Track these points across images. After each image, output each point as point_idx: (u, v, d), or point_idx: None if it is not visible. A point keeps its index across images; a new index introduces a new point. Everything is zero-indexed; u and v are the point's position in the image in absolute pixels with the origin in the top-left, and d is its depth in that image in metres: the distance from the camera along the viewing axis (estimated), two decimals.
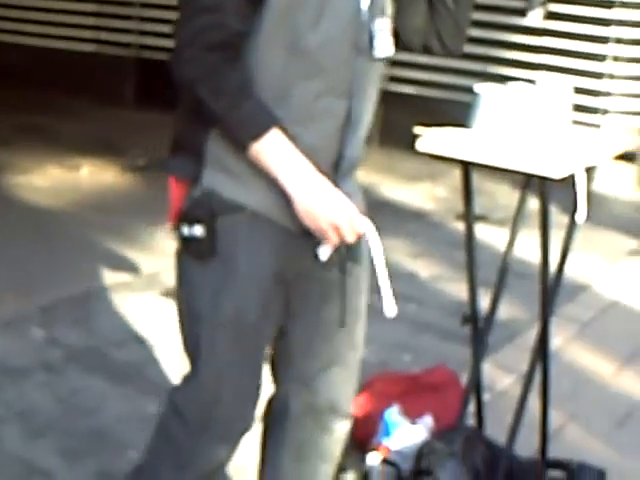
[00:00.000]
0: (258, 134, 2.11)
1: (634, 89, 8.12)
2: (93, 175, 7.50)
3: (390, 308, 2.25)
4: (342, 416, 2.56)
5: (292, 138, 2.15)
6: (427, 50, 2.51)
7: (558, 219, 3.82)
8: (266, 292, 2.29)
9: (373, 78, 2.33)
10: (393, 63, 9.12)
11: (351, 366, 2.52)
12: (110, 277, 5.37)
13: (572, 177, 3.15)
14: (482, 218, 6.63)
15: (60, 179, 7.34)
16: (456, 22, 2.44)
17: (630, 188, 7.75)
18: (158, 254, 5.61)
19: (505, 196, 7.07)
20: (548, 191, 3.16)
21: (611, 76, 8.06)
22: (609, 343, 4.93)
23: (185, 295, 2.37)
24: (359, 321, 2.49)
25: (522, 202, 3.50)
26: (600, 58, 8.03)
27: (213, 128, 2.18)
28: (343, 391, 2.54)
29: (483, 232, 6.26)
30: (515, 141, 3.08)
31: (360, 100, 2.28)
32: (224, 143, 2.18)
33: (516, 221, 3.50)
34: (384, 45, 2.31)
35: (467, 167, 3.16)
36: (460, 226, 6.70)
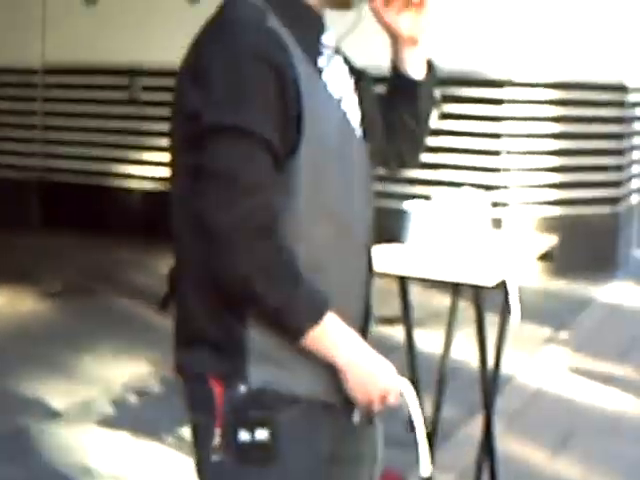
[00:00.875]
0: (316, 320, 1.95)
1: (530, 180, 8.49)
2: (10, 304, 7.47)
3: (425, 467, 2.17)
4: None
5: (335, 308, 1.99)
6: (385, 166, 2.39)
7: (468, 314, 4.03)
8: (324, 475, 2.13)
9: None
10: None
11: None
12: (42, 409, 5.31)
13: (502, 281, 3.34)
14: (396, 320, 6.78)
15: None
16: (416, 140, 2.36)
17: (537, 276, 8.05)
18: (87, 381, 5.60)
19: (417, 295, 7.23)
20: (482, 297, 3.34)
21: (506, 170, 8.40)
22: (539, 431, 5.09)
23: None
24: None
25: (454, 308, 3.68)
26: (495, 153, 8.38)
27: (252, 320, 1.97)
28: None
29: (400, 334, 6.42)
30: (446, 253, 3.27)
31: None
32: (267, 334, 1.97)
33: (450, 326, 3.67)
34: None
35: (404, 282, 3.33)
36: (380, 330, 6.85)
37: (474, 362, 4.22)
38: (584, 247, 8.28)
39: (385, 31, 2.21)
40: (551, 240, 4.02)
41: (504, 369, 5.83)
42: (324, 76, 2.05)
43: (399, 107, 2.29)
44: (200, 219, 1.93)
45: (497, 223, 8.01)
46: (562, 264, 7.88)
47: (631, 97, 9.12)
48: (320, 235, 2.01)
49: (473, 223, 3.39)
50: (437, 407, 3.58)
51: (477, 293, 3.28)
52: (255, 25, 1.94)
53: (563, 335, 6.81)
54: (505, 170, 8.41)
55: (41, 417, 5.22)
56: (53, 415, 5.24)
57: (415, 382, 3.61)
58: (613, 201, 8.91)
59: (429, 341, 5.85)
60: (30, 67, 10.34)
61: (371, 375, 2.03)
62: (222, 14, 2.00)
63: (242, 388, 1.99)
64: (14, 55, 10.38)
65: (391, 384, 2.06)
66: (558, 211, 8.61)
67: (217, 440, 2.00)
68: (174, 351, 2.12)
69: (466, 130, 8.42)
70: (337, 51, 2.15)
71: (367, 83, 2.24)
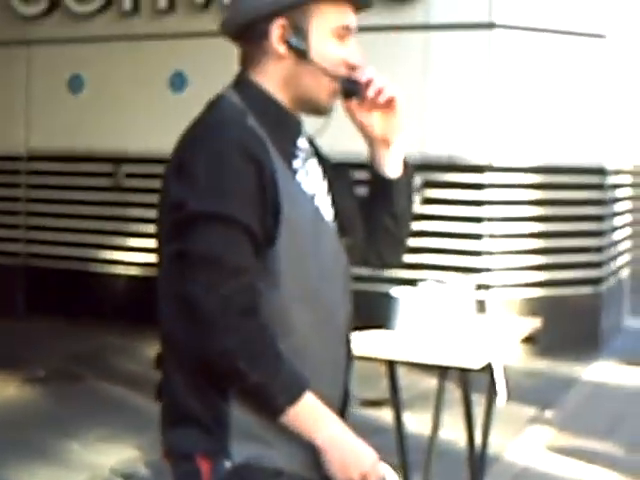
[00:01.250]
0: (296, 398, 2.03)
1: (512, 263, 8.59)
2: None
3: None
4: None
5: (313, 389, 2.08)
6: (366, 264, 2.42)
7: (454, 396, 4.07)
8: None
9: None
10: None
11: None
12: None
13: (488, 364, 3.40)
14: (382, 402, 6.82)
15: None
16: (396, 240, 2.39)
17: (521, 357, 8.10)
18: (73, 467, 5.59)
19: (403, 377, 7.27)
20: (469, 380, 3.40)
21: (488, 253, 8.50)
22: None
23: None
24: None
25: (441, 390, 3.74)
26: (476, 237, 8.49)
27: (234, 397, 2.05)
28: None
29: (387, 416, 6.44)
30: (434, 337, 3.33)
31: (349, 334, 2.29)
32: (249, 411, 2.05)
33: (438, 408, 3.72)
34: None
35: (392, 365, 3.39)
36: (365, 412, 6.88)
37: (462, 442, 4.27)
38: (567, 327, 8.35)
39: (359, 132, 2.29)
40: (535, 323, 4.09)
41: (490, 449, 5.90)
42: (298, 176, 2.16)
43: (377, 207, 2.34)
44: (187, 301, 2.02)
45: (480, 305, 8.11)
46: (546, 344, 7.94)
47: (610, 179, 9.29)
48: (300, 321, 2.10)
49: (459, 308, 3.46)
50: None
51: (464, 376, 3.34)
52: (237, 124, 2.08)
53: (548, 414, 6.85)
54: (487, 253, 8.50)
55: None
56: None
57: (404, 463, 3.65)
58: (595, 281, 9.02)
59: (417, 422, 5.88)
60: (14, 154, 10.45)
61: (352, 456, 2.08)
62: (207, 115, 2.14)
63: (227, 464, 2.07)
64: None
65: (372, 467, 2.11)
66: (541, 292, 8.71)
67: None
68: (161, 433, 2.19)
69: (448, 214, 8.54)
70: (313, 151, 2.27)
71: (346, 182, 2.35)
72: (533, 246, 8.72)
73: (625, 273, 10.44)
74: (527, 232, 8.68)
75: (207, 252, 2.01)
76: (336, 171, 2.32)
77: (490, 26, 8.48)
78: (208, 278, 2.00)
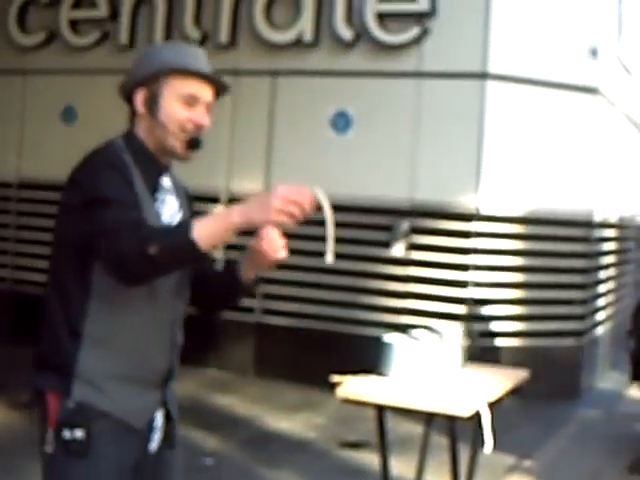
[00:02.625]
0: (188, 231, 2.55)
1: (496, 312, 8.65)
2: None
3: (330, 256, 2.69)
4: None
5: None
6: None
7: (436, 441, 4.10)
8: (127, 477, 2.85)
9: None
10: (265, 296, 9.42)
11: None
12: None
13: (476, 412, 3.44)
14: (365, 444, 6.85)
15: None
16: (210, 306, 3.25)
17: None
18: None
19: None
20: (455, 427, 3.44)
21: (473, 301, 8.56)
22: None
23: None
24: None
25: (426, 436, 3.78)
26: (462, 284, 8.55)
27: (80, 351, 2.73)
28: None
29: (367, 459, 6.48)
30: (423, 383, 3.38)
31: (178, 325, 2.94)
32: (89, 362, 2.73)
33: (423, 453, 3.75)
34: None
35: (381, 410, 3.43)
36: (345, 454, 6.91)
37: None
38: (548, 378, 8.40)
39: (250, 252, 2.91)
40: (522, 374, 4.13)
41: None
42: (157, 204, 2.84)
43: (220, 287, 3.04)
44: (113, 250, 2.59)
45: (464, 353, 8.17)
46: (527, 394, 7.99)
47: (596, 232, 9.39)
48: (140, 310, 2.78)
49: (448, 355, 3.51)
50: None
51: (451, 423, 3.38)
52: (112, 155, 2.79)
53: (527, 464, 6.88)
54: (472, 301, 8.56)
55: None
56: None
57: None
58: (577, 334, 9.09)
59: (399, 467, 5.90)
60: (6, 181, 10.49)
61: (260, 205, 2.55)
62: (96, 150, 2.84)
63: (71, 402, 2.71)
64: None
65: (283, 193, 2.53)
66: (524, 342, 8.76)
67: (50, 438, 2.74)
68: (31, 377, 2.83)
69: (435, 261, 8.60)
70: (177, 189, 2.98)
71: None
72: (517, 296, 8.78)
73: (607, 326, 10.52)
74: (512, 282, 8.75)
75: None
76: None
77: (483, 76, 8.59)
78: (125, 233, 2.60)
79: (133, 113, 2.91)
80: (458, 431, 3.77)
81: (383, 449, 3.57)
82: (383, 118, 8.86)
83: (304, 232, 8.84)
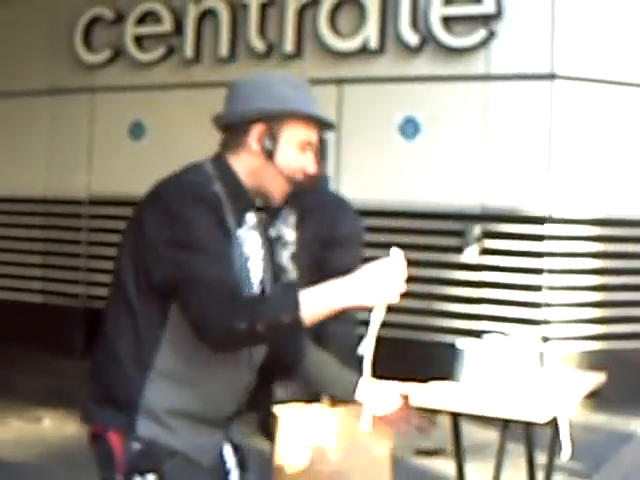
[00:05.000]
0: (296, 307, 2.44)
1: (570, 315, 8.52)
2: (55, 426, 7.54)
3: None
4: None
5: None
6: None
7: (511, 448, 4.02)
8: None
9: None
10: None
11: None
12: None
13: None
14: (440, 451, 6.78)
15: (23, 431, 7.39)
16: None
17: (578, 411, 8.01)
18: None
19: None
20: (532, 433, 3.38)
21: (547, 305, 8.45)
22: None
23: None
24: None
25: (502, 443, 3.72)
26: (536, 288, 8.44)
27: (147, 385, 2.58)
28: None
29: (442, 466, 6.41)
30: (498, 389, 3.32)
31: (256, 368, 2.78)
32: (156, 397, 2.58)
33: (499, 460, 3.69)
34: None
35: (456, 417, 3.38)
36: (420, 461, 6.85)
37: None
38: (625, 381, 8.25)
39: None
40: (599, 378, 4.05)
41: None
42: (239, 240, 2.66)
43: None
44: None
45: (540, 358, 8.07)
46: (603, 398, 7.85)
47: None
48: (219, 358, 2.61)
49: (523, 361, 3.45)
50: None
51: (528, 430, 3.32)
52: (206, 189, 2.59)
53: (604, 469, 6.75)
54: (546, 305, 8.45)
55: None
56: None
57: None
58: None
59: (474, 474, 5.84)
60: (76, 198, 10.62)
61: (382, 283, 2.48)
62: (183, 174, 2.66)
63: (136, 442, 2.57)
64: (62, 187, 10.68)
65: (388, 279, 2.48)
66: (599, 345, 8.62)
67: None
68: (87, 411, 2.70)
69: (508, 265, 8.50)
70: (263, 226, 2.83)
71: None
72: (592, 299, 8.65)
73: None
74: (587, 284, 8.61)
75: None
76: None
77: (551, 77, 8.48)
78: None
79: (231, 144, 2.72)
80: (535, 437, 3.70)
81: (459, 456, 3.53)
82: (452, 122, 8.80)
83: (381, 240, 8.84)
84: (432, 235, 8.67)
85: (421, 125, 8.91)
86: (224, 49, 9.74)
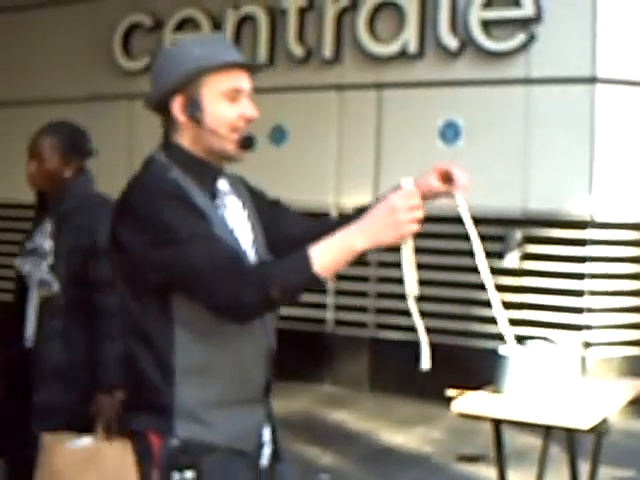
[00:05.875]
0: (310, 266, 2.42)
1: (612, 320, 8.44)
2: None
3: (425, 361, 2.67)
4: None
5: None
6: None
7: (553, 454, 3.97)
8: None
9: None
10: (378, 310, 9.30)
11: None
12: None
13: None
14: (482, 458, 6.75)
15: None
16: None
17: (620, 417, 7.93)
18: None
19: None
20: (575, 440, 3.34)
21: (589, 310, 8.37)
22: None
23: None
24: None
25: (545, 449, 3.68)
26: (578, 293, 8.37)
27: (176, 386, 2.58)
28: None
29: (484, 472, 6.38)
30: (540, 396, 3.29)
31: (272, 334, 2.77)
32: (187, 396, 2.58)
33: (542, 467, 3.66)
34: None
35: (498, 424, 3.35)
36: (461, 467, 6.82)
37: None
38: None
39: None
40: None
41: None
42: (220, 211, 2.67)
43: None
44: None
45: (581, 363, 7.99)
46: None
47: None
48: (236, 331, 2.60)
49: (566, 367, 3.42)
50: None
51: (570, 436, 3.29)
52: (163, 182, 2.59)
53: None
54: (588, 310, 8.37)
55: None
56: None
57: None
58: None
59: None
60: None
61: (389, 218, 2.41)
62: (141, 173, 2.67)
63: (174, 440, 2.56)
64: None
65: (404, 200, 2.41)
66: None
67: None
68: (123, 416, 2.79)
69: (550, 270, 8.44)
70: (238, 188, 2.80)
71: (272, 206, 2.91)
72: (635, 304, 8.56)
73: None
74: (629, 289, 8.53)
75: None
76: (265, 200, 2.90)
77: (593, 80, 8.41)
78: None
79: (169, 122, 2.69)
80: (577, 444, 3.67)
81: (500, 463, 3.50)
82: (492, 127, 8.75)
83: (423, 245, 8.79)
84: None
85: (461, 129, 8.88)
86: (263, 54, 9.75)
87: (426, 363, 2.61)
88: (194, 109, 2.62)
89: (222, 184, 2.74)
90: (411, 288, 2.54)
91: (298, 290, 2.46)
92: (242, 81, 2.66)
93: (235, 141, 2.65)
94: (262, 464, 2.75)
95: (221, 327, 2.56)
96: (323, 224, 2.87)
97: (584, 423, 3.19)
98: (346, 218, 2.75)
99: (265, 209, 2.87)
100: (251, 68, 2.70)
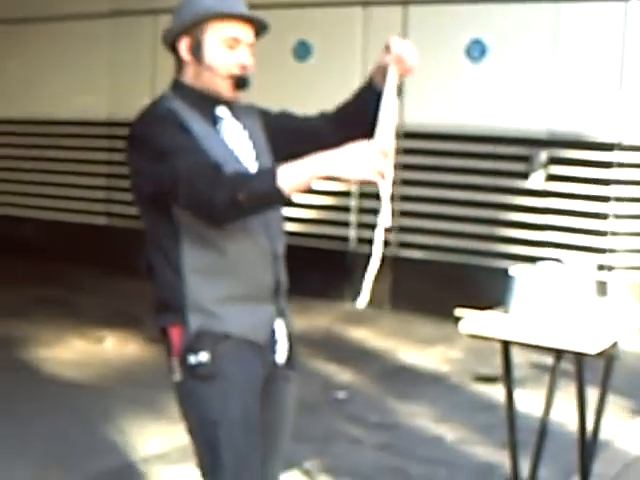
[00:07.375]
0: (274, 178, 2.63)
1: (636, 244, 8.38)
2: (117, 347, 7.67)
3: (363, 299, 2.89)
4: None
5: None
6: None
7: (568, 376, 3.96)
8: (257, 392, 2.96)
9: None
10: (401, 229, 9.30)
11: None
12: (145, 450, 5.45)
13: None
14: (497, 378, 6.76)
15: (84, 352, 7.52)
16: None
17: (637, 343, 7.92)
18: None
19: (516, 355, 7.20)
20: (583, 364, 3.33)
21: (613, 233, 8.31)
22: None
23: (197, 413, 2.94)
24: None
25: (555, 371, 3.68)
26: (602, 216, 8.30)
27: (186, 284, 2.87)
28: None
29: (500, 392, 6.39)
30: (550, 319, 3.27)
31: (277, 240, 3.01)
32: (198, 292, 2.86)
33: (551, 389, 3.66)
34: None
35: (507, 345, 3.34)
36: (478, 387, 6.85)
37: (573, 425, 4.19)
38: None
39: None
40: None
41: (602, 434, 5.77)
42: (222, 134, 2.94)
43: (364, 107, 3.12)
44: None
45: (602, 287, 7.95)
46: None
47: None
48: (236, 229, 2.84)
49: (578, 289, 3.39)
50: (534, 467, 3.57)
51: (579, 360, 3.27)
52: (159, 108, 2.92)
53: None
54: (612, 234, 8.31)
55: (144, 458, 5.34)
56: (156, 456, 5.36)
57: (514, 441, 3.61)
58: None
59: (529, 401, 5.81)
60: None
61: (349, 165, 2.60)
62: (148, 108, 2.95)
63: (192, 330, 2.85)
64: (126, 110, 10.62)
65: (368, 160, 2.60)
66: None
67: (176, 366, 2.88)
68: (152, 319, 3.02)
69: (573, 192, 8.36)
70: (243, 112, 3.05)
71: (278, 117, 3.17)
72: None
73: None
74: None
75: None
76: (270, 115, 3.15)
77: None
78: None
79: (179, 61, 3.00)
80: (589, 368, 3.65)
81: (508, 384, 3.50)
82: (520, 45, 8.61)
83: (437, 163, 8.72)
84: (497, 160, 8.53)
85: (488, 47, 8.74)
86: None
87: (363, 301, 2.88)
88: (196, 49, 2.94)
89: (221, 111, 3.00)
90: (385, 219, 2.72)
91: (262, 199, 2.67)
92: (243, 33, 2.95)
93: (228, 85, 2.94)
94: (278, 359, 3.02)
95: (222, 232, 2.82)
96: (337, 108, 3.26)
97: (592, 347, 3.17)
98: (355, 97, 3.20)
99: (272, 122, 3.14)
100: (252, 21, 2.96)
